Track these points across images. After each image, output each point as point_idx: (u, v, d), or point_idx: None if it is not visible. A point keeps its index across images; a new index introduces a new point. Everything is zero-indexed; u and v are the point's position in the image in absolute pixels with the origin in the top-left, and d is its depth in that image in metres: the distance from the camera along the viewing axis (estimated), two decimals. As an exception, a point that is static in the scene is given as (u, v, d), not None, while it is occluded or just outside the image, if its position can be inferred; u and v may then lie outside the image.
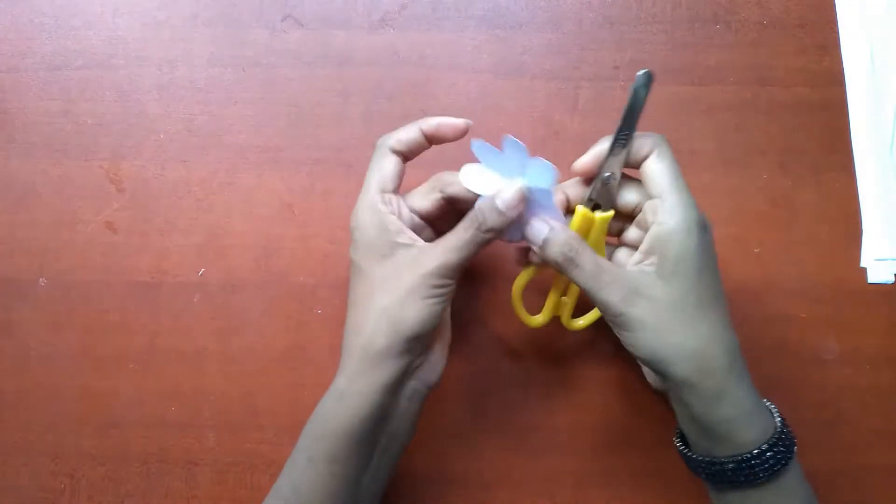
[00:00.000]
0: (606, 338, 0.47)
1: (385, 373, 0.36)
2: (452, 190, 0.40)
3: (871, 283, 0.47)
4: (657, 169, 0.37)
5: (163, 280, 0.48)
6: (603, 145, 0.39)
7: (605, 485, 0.45)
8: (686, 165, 0.48)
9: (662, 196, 0.36)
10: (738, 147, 0.49)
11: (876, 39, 0.50)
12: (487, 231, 0.37)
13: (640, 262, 0.37)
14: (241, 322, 0.47)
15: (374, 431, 0.37)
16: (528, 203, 0.38)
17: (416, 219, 0.40)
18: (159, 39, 0.50)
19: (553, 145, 0.49)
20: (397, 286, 0.37)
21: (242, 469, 0.46)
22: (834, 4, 0.50)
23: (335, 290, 0.47)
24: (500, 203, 0.37)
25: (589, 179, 0.40)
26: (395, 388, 0.37)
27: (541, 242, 0.37)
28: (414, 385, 0.39)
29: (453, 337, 0.45)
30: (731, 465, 0.36)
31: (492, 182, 0.38)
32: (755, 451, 0.35)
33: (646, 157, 0.37)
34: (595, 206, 0.40)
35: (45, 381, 0.47)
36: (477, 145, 0.37)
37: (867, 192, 0.48)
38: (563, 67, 0.50)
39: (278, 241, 0.48)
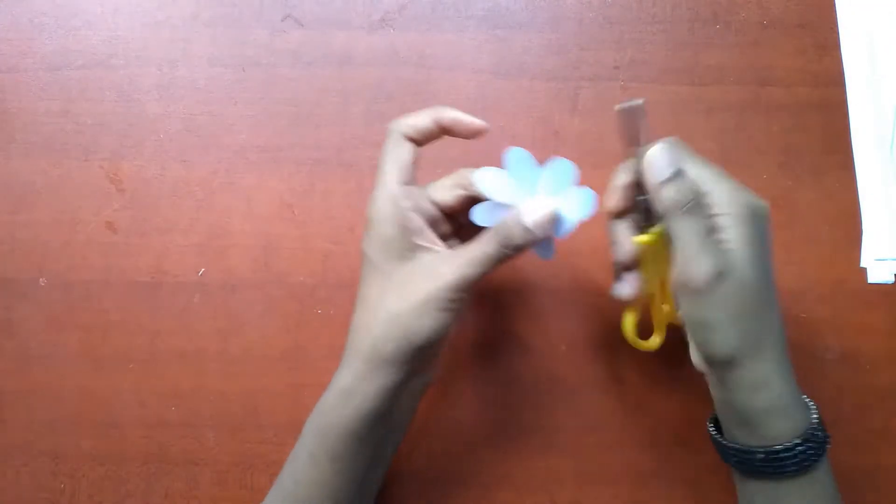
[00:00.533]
0: (606, 338, 0.47)
1: (392, 377, 0.36)
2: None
3: (871, 283, 0.47)
4: (690, 174, 0.37)
5: (163, 280, 0.48)
6: (621, 178, 0.39)
7: (605, 485, 0.45)
8: (686, 165, 0.48)
9: (707, 193, 0.36)
10: (738, 147, 0.49)
11: (876, 40, 0.50)
12: (513, 249, 0.36)
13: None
14: (241, 322, 0.47)
15: (376, 429, 0.37)
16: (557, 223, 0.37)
17: (436, 211, 0.39)
18: (159, 39, 0.50)
19: (553, 145, 0.49)
20: (413, 293, 0.36)
21: (242, 469, 0.46)
22: (834, 4, 0.50)
23: (335, 290, 0.47)
24: (529, 222, 0.36)
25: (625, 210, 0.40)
26: (400, 390, 0.37)
27: (664, 178, 0.36)
28: (414, 384, 0.39)
29: (453, 337, 0.45)
30: (760, 455, 0.36)
31: (511, 192, 0.37)
32: (787, 444, 0.35)
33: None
34: (642, 228, 0.39)
35: (45, 381, 0.47)
36: (514, 154, 0.37)
37: (867, 192, 0.48)
38: (563, 67, 0.50)
39: (278, 241, 0.48)
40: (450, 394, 0.46)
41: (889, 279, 0.47)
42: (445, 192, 0.39)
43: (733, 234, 0.35)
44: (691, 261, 0.35)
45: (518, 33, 0.50)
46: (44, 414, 0.47)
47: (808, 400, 0.37)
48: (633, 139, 0.38)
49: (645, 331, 0.43)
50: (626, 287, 0.40)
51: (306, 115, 0.49)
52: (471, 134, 0.38)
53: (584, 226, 0.47)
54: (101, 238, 0.48)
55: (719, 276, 0.34)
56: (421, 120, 0.38)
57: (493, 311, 0.47)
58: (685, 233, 0.35)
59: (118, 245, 0.48)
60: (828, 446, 0.36)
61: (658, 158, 0.36)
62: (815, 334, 0.47)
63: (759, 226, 0.36)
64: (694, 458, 0.45)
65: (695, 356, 0.39)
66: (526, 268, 0.47)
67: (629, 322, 0.43)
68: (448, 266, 0.36)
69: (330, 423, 0.37)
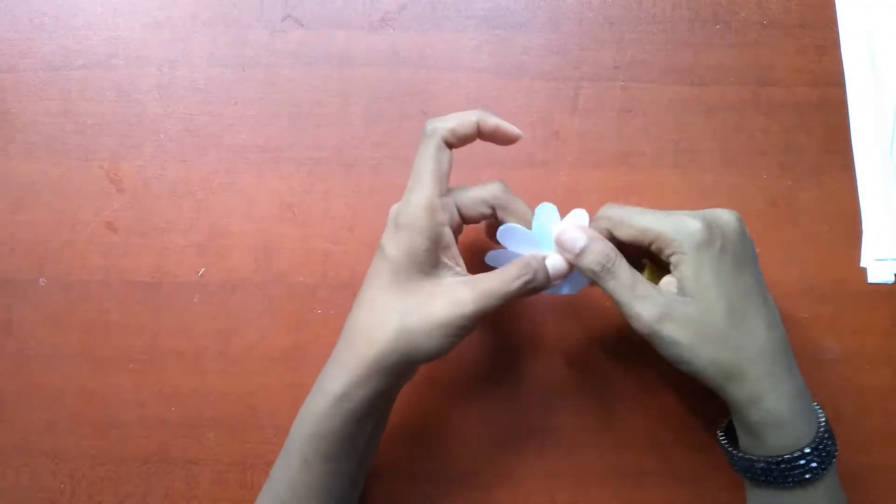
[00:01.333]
0: (607, 338, 0.47)
1: (386, 384, 0.37)
2: (503, 216, 0.39)
3: (871, 283, 0.47)
4: (625, 236, 0.38)
5: (163, 280, 0.48)
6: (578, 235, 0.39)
7: (605, 485, 0.45)
8: (686, 165, 0.48)
9: (654, 240, 0.36)
10: (738, 147, 0.49)
11: (876, 40, 0.50)
12: (531, 290, 0.37)
13: (667, 284, 0.37)
14: (241, 322, 0.47)
15: (366, 429, 0.38)
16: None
17: (457, 216, 0.39)
18: (159, 39, 0.50)
19: (553, 145, 0.49)
20: (429, 314, 0.35)
21: (242, 469, 0.46)
22: (834, 4, 0.50)
23: (335, 290, 0.47)
24: (551, 269, 0.38)
25: None
26: (391, 394, 0.38)
27: (577, 251, 0.37)
28: (401, 385, 0.40)
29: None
30: (761, 465, 0.36)
31: (532, 247, 0.39)
32: (786, 456, 0.35)
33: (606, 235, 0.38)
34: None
35: (45, 381, 0.47)
36: (543, 211, 0.38)
37: (867, 192, 0.48)
38: (563, 67, 0.50)
39: (278, 241, 0.48)
40: (450, 394, 0.46)
41: (889, 279, 0.47)
42: (473, 206, 0.39)
43: (685, 270, 0.36)
44: (629, 313, 0.36)
45: (518, 33, 0.50)
46: (44, 414, 0.47)
47: (817, 408, 0.37)
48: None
49: (641, 351, 0.43)
50: (581, 238, 0.39)
51: (306, 115, 0.49)
52: (508, 141, 0.39)
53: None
54: (101, 238, 0.48)
55: (661, 318, 0.35)
56: (463, 126, 0.37)
57: (492, 312, 0.47)
58: (616, 291, 0.36)
59: (118, 245, 0.48)
60: (834, 457, 0.36)
61: (566, 239, 0.38)
62: (815, 334, 0.47)
63: (710, 251, 0.35)
64: (694, 458, 0.45)
65: None
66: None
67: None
68: (469, 294, 0.36)
69: (322, 428, 0.37)
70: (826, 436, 0.36)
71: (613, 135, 0.49)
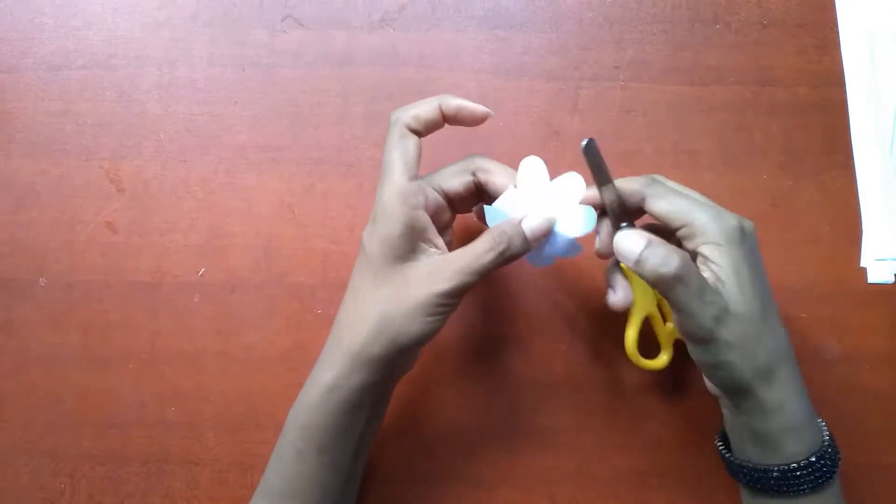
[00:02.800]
0: (607, 338, 0.47)
1: (375, 374, 0.37)
2: (486, 178, 0.38)
3: (871, 283, 0.47)
4: (659, 209, 0.36)
5: (163, 280, 0.48)
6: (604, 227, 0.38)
7: (605, 485, 0.45)
8: (686, 165, 0.48)
9: (686, 224, 0.36)
10: (738, 147, 0.49)
11: (876, 39, 0.50)
12: (509, 257, 0.36)
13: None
14: (241, 322, 0.47)
15: (359, 419, 0.38)
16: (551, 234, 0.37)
17: (440, 199, 0.39)
18: (159, 39, 0.50)
19: (553, 145, 0.49)
20: (406, 297, 0.36)
21: (242, 469, 0.46)
22: (834, 4, 0.50)
23: (335, 290, 0.47)
24: (528, 231, 0.36)
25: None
26: (382, 385, 0.38)
27: (636, 258, 0.35)
28: (394, 375, 0.40)
29: (452, 337, 0.45)
30: (776, 474, 0.36)
31: (519, 203, 0.37)
32: (802, 462, 0.35)
33: (641, 203, 0.37)
34: None
35: (45, 381, 0.47)
36: (528, 164, 0.37)
37: (867, 192, 0.48)
38: (563, 67, 0.50)
39: (278, 241, 0.48)
40: (450, 394, 0.46)
41: (889, 279, 0.47)
42: (453, 179, 0.38)
43: (721, 261, 0.35)
44: (688, 319, 0.35)
45: (518, 33, 0.50)
46: (44, 414, 0.47)
47: (820, 420, 0.38)
48: (600, 172, 0.38)
49: (647, 347, 0.43)
50: (619, 294, 0.40)
51: (306, 115, 0.49)
52: (475, 121, 0.38)
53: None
54: (101, 238, 0.48)
55: (717, 320, 0.34)
56: (425, 110, 0.37)
57: (492, 312, 0.47)
58: (684, 299, 0.34)
59: (118, 245, 0.48)
60: (839, 464, 0.36)
61: (626, 243, 0.36)
62: (815, 334, 0.47)
63: (744, 248, 0.35)
64: (694, 459, 0.45)
65: (709, 385, 0.39)
66: (526, 268, 0.47)
67: (631, 339, 0.42)
68: (445, 273, 0.36)
69: (315, 418, 0.37)
70: (831, 440, 0.36)
71: (613, 135, 0.49)
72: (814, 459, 0.35)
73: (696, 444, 0.45)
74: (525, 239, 0.36)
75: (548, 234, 0.37)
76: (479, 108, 0.38)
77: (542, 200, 0.37)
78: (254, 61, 0.50)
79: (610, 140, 0.49)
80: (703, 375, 0.38)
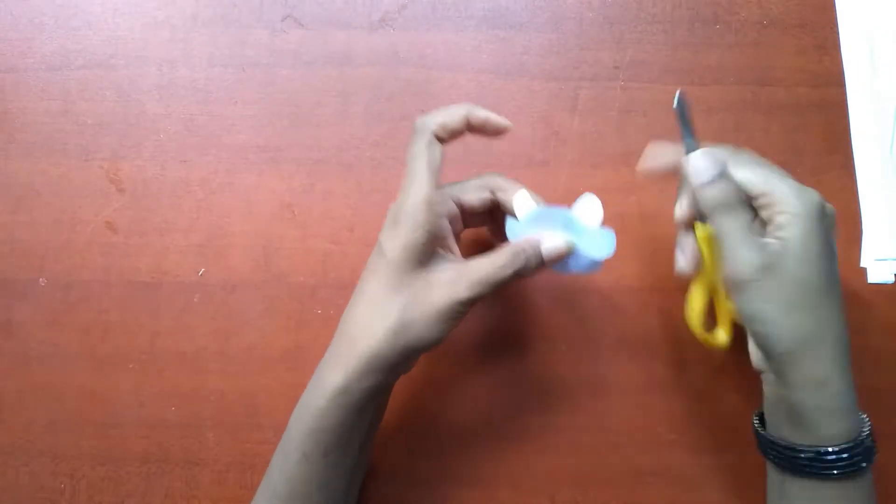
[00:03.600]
0: (607, 338, 0.47)
1: (387, 375, 0.37)
2: (504, 197, 0.39)
3: (871, 283, 0.47)
4: (741, 176, 0.37)
5: (163, 280, 0.48)
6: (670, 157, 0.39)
7: (605, 485, 0.45)
8: (686, 165, 0.48)
9: (766, 194, 0.36)
10: (739, 147, 0.49)
11: (876, 40, 0.50)
12: (525, 274, 0.37)
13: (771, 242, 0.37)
14: (241, 322, 0.47)
15: (364, 419, 0.38)
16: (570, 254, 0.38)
17: (456, 210, 0.40)
18: (159, 39, 0.50)
19: (553, 145, 0.49)
20: (427, 303, 0.36)
21: (242, 469, 0.46)
22: (834, 4, 0.50)
23: (335, 290, 0.47)
24: (545, 252, 0.37)
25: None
26: (391, 386, 0.38)
27: (705, 180, 0.37)
28: (399, 376, 0.40)
29: (452, 337, 0.45)
30: (808, 454, 0.36)
31: (540, 224, 0.38)
32: (835, 448, 0.35)
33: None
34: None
35: (45, 381, 0.47)
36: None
37: (867, 192, 0.48)
38: (563, 67, 0.50)
39: (278, 241, 0.48)
40: (450, 394, 0.46)
41: (889, 279, 0.47)
42: (472, 193, 0.40)
43: (791, 232, 0.35)
44: (734, 255, 0.36)
45: (518, 33, 0.50)
46: (44, 414, 0.47)
47: (862, 415, 0.38)
48: (687, 129, 0.40)
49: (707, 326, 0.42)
50: (687, 258, 0.40)
51: (306, 115, 0.49)
52: (498, 133, 0.39)
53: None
54: (101, 238, 0.48)
55: (765, 269, 0.35)
56: (452, 119, 0.38)
57: (493, 311, 0.47)
58: (726, 229, 0.36)
59: (118, 245, 0.48)
60: (875, 457, 0.36)
61: (700, 163, 0.38)
62: (815, 334, 0.47)
63: (820, 224, 0.36)
64: (694, 459, 0.45)
65: (754, 354, 0.39)
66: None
67: (696, 309, 0.41)
68: (464, 282, 0.36)
69: (323, 422, 0.37)
70: (870, 433, 0.37)
71: (613, 135, 0.49)
72: (847, 446, 0.35)
73: (697, 444, 0.45)
74: (542, 259, 0.38)
75: (565, 256, 0.38)
76: (502, 121, 0.39)
77: (564, 222, 0.39)
78: (254, 61, 0.50)
79: (610, 140, 0.49)
80: (749, 340, 0.38)
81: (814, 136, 0.49)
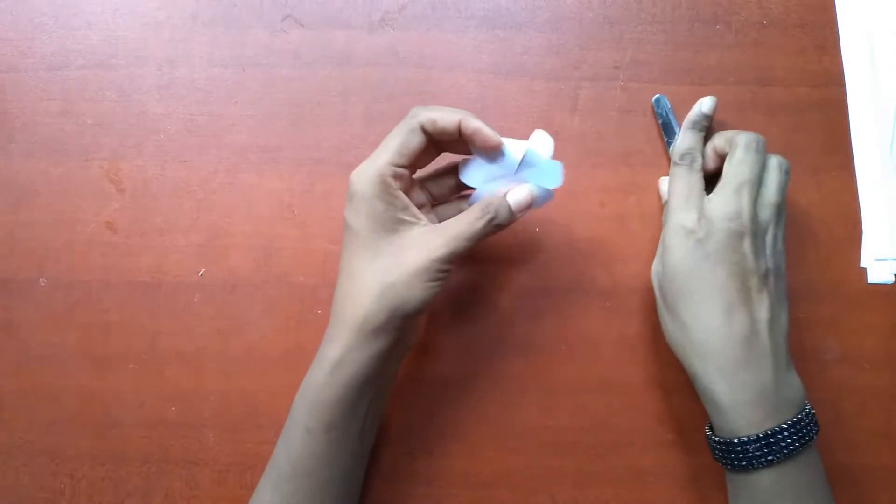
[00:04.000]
0: (607, 338, 0.47)
1: (381, 344, 0.37)
2: (433, 125, 0.38)
3: (871, 283, 0.47)
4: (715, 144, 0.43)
5: (163, 280, 0.48)
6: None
7: (605, 485, 0.45)
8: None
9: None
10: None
11: (876, 40, 0.50)
12: (497, 226, 0.38)
13: None
14: (241, 322, 0.47)
15: (365, 395, 0.38)
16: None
17: (424, 198, 0.42)
18: (159, 39, 0.50)
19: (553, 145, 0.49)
20: (403, 265, 0.37)
21: (242, 469, 0.46)
22: (834, 4, 0.50)
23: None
24: (514, 204, 0.39)
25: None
26: (387, 357, 0.38)
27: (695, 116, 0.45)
28: (399, 351, 0.40)
29: (452, 336, 0.45)
30: (720, 446, 0.38)
31: (493, 177, 0.40)
32: (744, 438, 0.37)
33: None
34: None
35: (45, 381, 0.47)
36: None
37: (867, 192, 0.48)
38: (563, 67, 0.50)
39: (278, 241, 0.48)
40: (450, 394, 0.46)
41: (889, 279, 0.47)
42: (447, 116, 0.39)
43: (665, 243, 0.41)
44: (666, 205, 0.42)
45: (518, 33, 0.50)
46: (44, 414, 0.47)
47: (808, 408, 0.38)
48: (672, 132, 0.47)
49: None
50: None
51: (306, 115, 0.49)
52: (486, 147, 0.39)
53: (585, 226, 0.48)
54: (101, 238, 0.48)
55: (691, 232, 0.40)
56: (445, 117, 0.38)
57: (493, 312, 0.47)
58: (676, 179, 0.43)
59: (118, 245, 0.48)
60: (788, 453, 0.37)
61: (699, 108, 0.45)
62: (815, 334, 0.47)
63: (682, 246, 0.41)
64: (694, 459, 0.45)
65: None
66: (525, 266, 0.47)
67: None
68: (439, 239, 0.37)
69: (322, 395, 0.38)
70: (785, 430, 0.37)
71: (613, 135, 0.49)
72: (746, 439, 0.37)
73: (697, 445, 0.45)
74: (510, 211, 0.39)
75: (531, 205, 0.40)
76: (493, 138, 0.39)
77: (519, 160, 0.40)
78: (254, 61, 0.50)
79: (610, 140, 0.49)
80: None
81: (814, 136, 0.49)
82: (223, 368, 0.47)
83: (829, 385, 0.46)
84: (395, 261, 0.37)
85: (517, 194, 0.39)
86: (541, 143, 0.41)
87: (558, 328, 0.47)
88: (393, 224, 0.38)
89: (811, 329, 0.47)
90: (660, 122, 0.48)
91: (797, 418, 0.37)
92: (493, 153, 0.39)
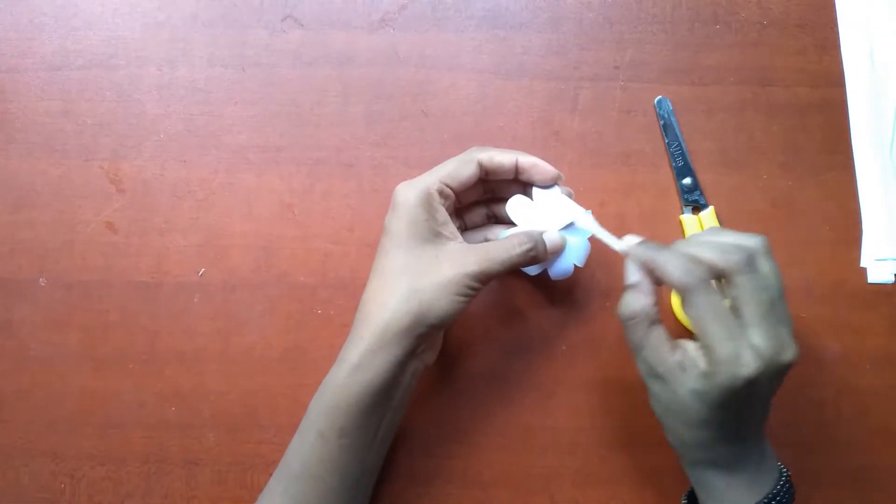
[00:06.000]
0: (607, 338, 0.47)
1: (401, 350, 0.37)
2: (490, 162, 0.40)
3: (871, 283, 0.47)
4: (690, 315, 0.34)
5: (163, 280, 0.48)
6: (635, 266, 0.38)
7: (605, 485, 0.45)
8: (686, 165, 0.48)
9: (704, 347, 0.34)
10: (738, 147, 0.49)
11: (876, 39, 0.50)
12: (532, 259, 0.39)
13: (695, 349, 0.36)
14: (241, 322, 0.47)
15: (381, 404, 0.38)
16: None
17: (458, 224, 0.42)
18: (159, 39, 0.50)
19: (553, 145, 0.49)
20: (436, 274, 0.37)
21: (242, 469, 0.46)
22: (834, 4, 0.50)
23: (335, 290, 0.47)
24: (549, 243, 0.40)
25: None
26: (405, 364, 0.38)
27: (625, 284, 0.38)
28: (416, 364, 0.40)
29: (452, 337, 0.45)
30: None
31: (534, 219, 0.41)
32: None
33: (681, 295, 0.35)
34: (694, 209, 0.47)
35: (45, 381, 0.47)
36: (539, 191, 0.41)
37: (867, 192, 0.48)
38: (563, 67, 0.50)
39: (278, 241, 0.48)
40: (450, 394, 0.46)
41: (889, 279, 0.47)
42: (462, 170, 0.40)
43: (711, 381, 0.35)
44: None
45: (518, 33, 0.50)
46: (44, 414, 0.47)
47: (782, 467, 0.38)
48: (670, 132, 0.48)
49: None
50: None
51: (306, 115, 0.49)
52: (545, 181, 0.41)
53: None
54: (101, 238, 0.48)
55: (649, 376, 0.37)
56: (501, 155, 0.40)
57: (493, 312, 0.47)
58: (629, 341, 0.38)
59: (118, 245, 0.48)
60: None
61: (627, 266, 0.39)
62: (815, 334, 0.47)
63: (731, 392, 0.34)
64: (694, 458, 0.45)
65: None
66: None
67: (676, 303, 0.46)
68: (474, 257, 0.38)
69: (338, 398, 0.38)
70: (783, 487, 0.37)
71: (613, 135, 0.49)
72: None
73: (696, 444, 0.45)
74: (545, 248, 0.40)
75: (560, 251, 0.41)
76: (550, 170, 0.41)
77: (560, 221, 0.41)
78: (254, 61, 0.50)
79: (610, 140, 0.49)
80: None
81: (814, 136, 0.49)
82: (223, 368, 0.47)
83: (829, 385, 0.46)
84: (427, 268, 0.38)
85: (552, 237, 0.40)
86: (590, 223, 0.41)
87: (558, 328, 0.47)
88: (431, 235, 0.38)
89: (811, 329, 0.47)
90: (661, 123, 0.48)
91: (781, 481, 0.37)
92: (548, 197, 0.41)
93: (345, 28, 0.50)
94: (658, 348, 0.36)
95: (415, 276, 0.37)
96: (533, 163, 0.40)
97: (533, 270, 0.42)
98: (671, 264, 0.35)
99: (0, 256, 0.48)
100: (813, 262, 0.47)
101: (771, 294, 0.34)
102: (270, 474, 0.45)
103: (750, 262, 0.34)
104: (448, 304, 0.37)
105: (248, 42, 0.50)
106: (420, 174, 0.40)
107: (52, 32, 0.50)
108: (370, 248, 0.47)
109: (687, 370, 0.35)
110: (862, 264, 0.47)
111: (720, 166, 0.48)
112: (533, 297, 0.47)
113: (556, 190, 0.41)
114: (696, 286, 0.34)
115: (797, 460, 0.41)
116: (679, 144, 0.48)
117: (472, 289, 0.38)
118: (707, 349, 0.34)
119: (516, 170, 0.40)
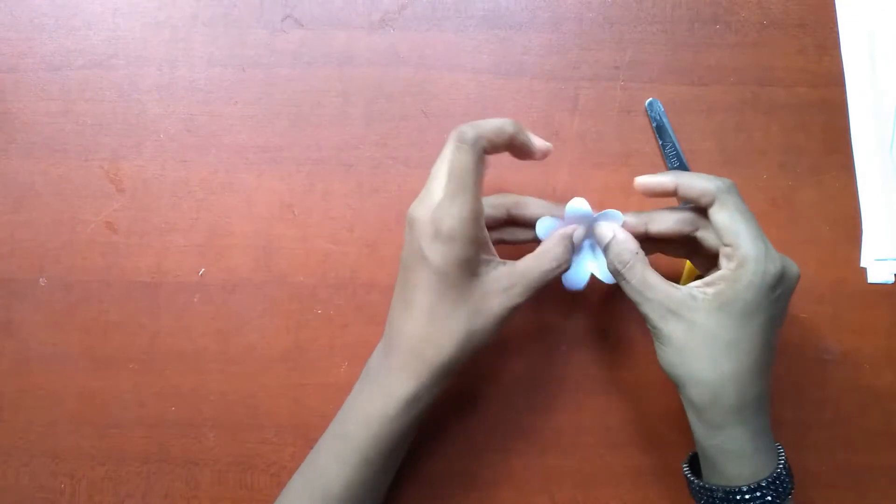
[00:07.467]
0: (607, 337, 0.47)
1: (450, 383, 0.39)
2: (519, 211, 0.41)
3: (871, 283, 0.47)
4: (720, 220, 0.38)
5: (163, 280, 0.48)
6: (665, 177, 0.40)
7: (605, 485, 0.45)
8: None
9: (733, 246, 0.37)
10: (738, 147, 0.49)
11: (876, 40, 0.50)
12: (561, 271, 0.40)
13: (698, 287, 0.38)
14: (241, 322, 0.47)
15: (416, 429, 0.40)
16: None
17: (490, 213, 0.42)
18: (159, 39, 0.50)
19: (553, 145, 0.49)
20: (488, 312, 0.37)
21: (242, 469, 0.46)
22: (834, 4, 0.50)
23: (335, 290, 0.47)
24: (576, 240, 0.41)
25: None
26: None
27: (603, 246, 0.40)
28: None
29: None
30: (720, 494, 0.37)
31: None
32: (744, 487, 0.36)
33: (709, 205, 0.38)
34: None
35: (45, 381, 0.47)
36: (573, 209, 0.41)
37: (867, 192, 0.48)
38: (563, 67, 0.50)
39: (278, 241, 0.48)
40: (450, 394, 0.46)
41: (889, 279, 0.47)
42: (492, 210, 0.41)
43: (730, 289, 0.36)
44: (642, 314, 0.38)
45: (518, 33, 0.50)
46: (44, 414, 0.47)
47: (778, 446, 0.38)
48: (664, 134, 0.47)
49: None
50: (608, 234, 0.40)
51: (306, 115, 0.49)
52: (541, 155, 0.41)
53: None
54: (101, 238, 0.48)
55: (665, 316, 0.37)
56: (491, 130, 0.38)
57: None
58: (628, 292, 0.39)
59: (118, 245, 0.48)
60: (790, 494, 0.37)
61: (597, 234, 0.41)
62: (815, 334, 0.47)
63: (769, 295, 0.36)
64: (694, 458, 0.45)
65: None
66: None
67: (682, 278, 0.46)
68: (518, 287, 0.38)
69: (393, 429, 0.38)
70: (784, 473, 0.37)
71: (613, 135, 0.49)
72: (754, 485, 0.36)
73: (696, 444, 0.45)
74: (570, 259, 0.40)
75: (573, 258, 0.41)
76: (545, 145, 0.41)
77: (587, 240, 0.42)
78: (254, 61, 0.50)
79: (610, 140, 0.49)
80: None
81: (814, 136, 0.49)
82: (223, 368, 0.47)
83: (829, 385, 0.46)
84: (479, 307, 0.37)
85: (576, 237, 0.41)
86: (604, 232, 0.41)
87: (558, 328, 0.47)
88: (478, 266, 0.37)
89: (811, 329, 0.47)
90: (654, 125, 0.48)
91: (784, 456, 0.38)
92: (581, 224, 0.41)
93: (345, 28, 0.50)
94: (661, 284, 0.38)
95: (469, 318, 0.37)
96: (524, 140, 0.40)
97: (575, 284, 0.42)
98: (695, 178, 0.39)
99: (0, 256, 0.48)
100: (813, 262, 0.47)
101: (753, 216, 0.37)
102: (271, 474, 0.46)
103: (731, 185, 0.38)
104: (496, 334, 0.38)
105: (248, 42, 0.50)
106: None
107: (52, 32, 0.50)
108: (370, 248, 0.48)
109: (698, 299, 0.37)
110: (862, 264, 0.47)
111: (720, 166, 0.48)
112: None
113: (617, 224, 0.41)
114: (728, 187, 0.38)
115: (797, 460, 0.41)
116: (674, 145, 0.48)
117: (515, 312, 0.38)
118: (735, 248, 0.36)
119: (508, 147, 0.39)
